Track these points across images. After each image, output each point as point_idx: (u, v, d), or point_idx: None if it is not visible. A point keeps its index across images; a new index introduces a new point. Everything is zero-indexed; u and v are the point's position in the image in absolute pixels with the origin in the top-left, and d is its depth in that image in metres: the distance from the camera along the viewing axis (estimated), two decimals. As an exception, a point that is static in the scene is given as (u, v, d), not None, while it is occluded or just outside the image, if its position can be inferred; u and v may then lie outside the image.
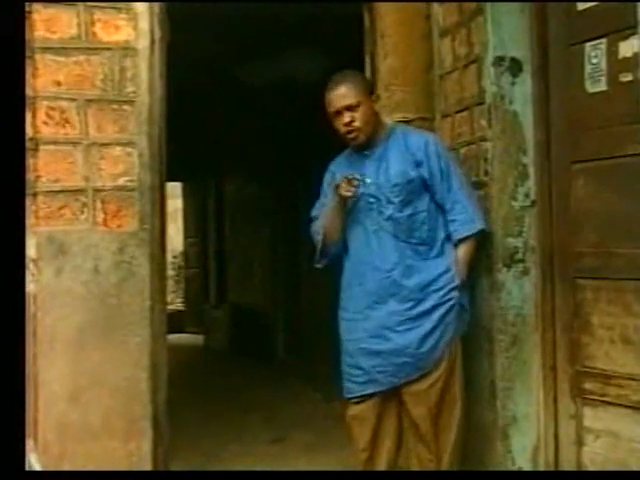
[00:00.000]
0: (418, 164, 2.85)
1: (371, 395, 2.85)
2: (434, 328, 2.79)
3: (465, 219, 2.87)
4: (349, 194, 2.78)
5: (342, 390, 2.94)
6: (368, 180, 2.85)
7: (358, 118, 2.83)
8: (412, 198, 2.85)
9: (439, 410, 2.82)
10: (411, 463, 2.90)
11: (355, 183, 2.77)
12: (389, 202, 2.84)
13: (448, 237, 2.89)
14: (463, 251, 2.87)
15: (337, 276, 3.02)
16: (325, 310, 2.99)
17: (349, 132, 2.85)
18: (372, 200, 2.85)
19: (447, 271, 2.83)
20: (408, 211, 2.84)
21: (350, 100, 2.82)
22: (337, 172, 2.97)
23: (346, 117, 2.83)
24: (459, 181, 2.90)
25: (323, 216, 2.93)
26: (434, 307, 2.80)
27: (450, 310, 2.81)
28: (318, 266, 2.99)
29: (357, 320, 2.87)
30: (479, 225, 2.88)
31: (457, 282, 2.83)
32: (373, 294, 2.84)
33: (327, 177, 3.03)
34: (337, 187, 2.81)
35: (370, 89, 2.97)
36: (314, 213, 3.03)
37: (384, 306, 2.82)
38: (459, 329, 2.86)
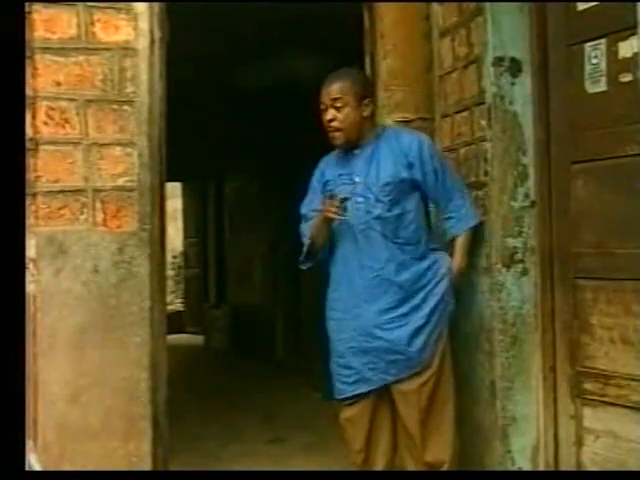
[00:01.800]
0: (410, 165, 2.85)
1: (363, 396, 2.83)
2: (424, 325, 2.79)
3: (460, 216, 2.91)
4: (333, 216, 2.77)
5: (333, 391, 2.92)
6: (357, 179, 2.85)
7: (339, 118, 2.83)
8: (401, 198, 2.84)
9: (429, 411, 2.80)
10: (406, 463, 2.89)
11: (341, 205, 2.75)
12: (378, 201, 2.83)
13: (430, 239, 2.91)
14: (461, 241, 2.90)
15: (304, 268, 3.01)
16: (323, 311, 2.99)
17: (329, 130, 2.87)
18: (360, 200, 2.84)
19: (432, 266, 2.84)
20: (397, 211, 2.83)
21: (335, 97, 2.82)
22: (326, 170, 2.98)
23: (329, 114, 2.84)
24: (452, 179, 2.93)
25: (310, 225, 2.92)
26: (422, 302, 2.80)
27: (437, 305, 2.81)
28: (303, 267, 2.98)
29: (347, 319, 2.86)
30: (473, 221, 2.92)
31: (441, 275, 2.83)
32: (362, 293, 2.82)
33: (317, 174, 3.02)
34: (323, 206, 2.81)
35: (365, 91, 2.90)
36: (303, 210, 3.00)
37: (374, 304, 2.80)
38: (446, 324, 2.86)
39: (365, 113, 2.88)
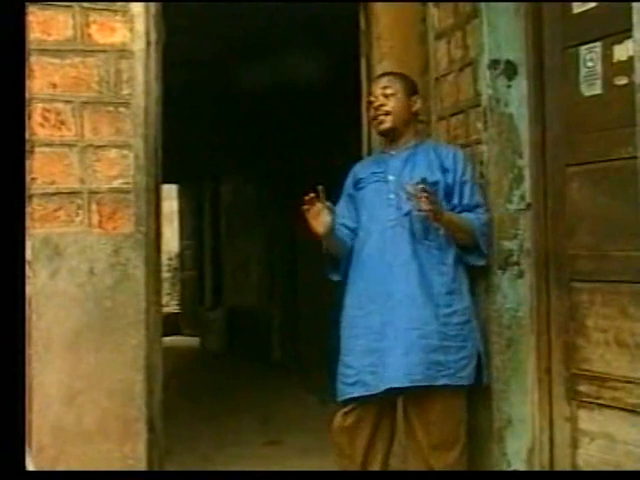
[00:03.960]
0: (445, 170, 2.86)
1: (364, 403, 2.77)
2: (438, 347, 2.72)
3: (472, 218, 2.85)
4: (306, 209, 2.73)
5: (335, 393, 2.88)
6: (391, 177, 2.87)
7: (389, 104, 2.90)
8: None
9: (443, 420, 2.75)
10: (409, 465, 2.87)
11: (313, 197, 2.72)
12: (409, 199, 2.79)
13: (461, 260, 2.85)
14: (463, 216, 2.83)
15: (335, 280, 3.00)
16: (321, 313, 2.98)
17: (377, 116, 2.91)
18: (392, 196, 2.84)
19: (456, 277, 2.80)
20: None
21: (385, 85, 2.92)
22: (360, 171, 3.00)
23: (378, 101, 2.91)
24: (478, 199, 2.88)
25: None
26: (445, 307, 2.76)
27: (457, 335, 2.75)
28: (334, 279, 2.98)
29: (359, 316, 2.82)
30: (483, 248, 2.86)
31: (468, 317, 2.79)
32: (378, 290, 2.78)
33: (348, 179, 3.03)
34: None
35: (413, 88, 2.98)
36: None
37: (387, 303, 2.75)
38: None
39: (413, 108, 2.96)
